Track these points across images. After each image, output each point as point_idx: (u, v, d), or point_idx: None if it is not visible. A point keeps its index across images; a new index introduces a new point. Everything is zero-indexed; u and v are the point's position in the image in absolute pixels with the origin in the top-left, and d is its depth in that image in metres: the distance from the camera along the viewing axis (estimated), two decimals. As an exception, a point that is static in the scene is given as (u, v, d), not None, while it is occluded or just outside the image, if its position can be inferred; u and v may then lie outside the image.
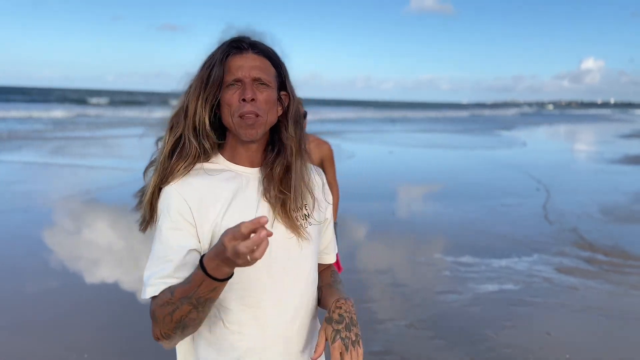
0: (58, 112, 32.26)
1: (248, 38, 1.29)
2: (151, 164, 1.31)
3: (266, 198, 1.29)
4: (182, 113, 1.26)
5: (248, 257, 1.00)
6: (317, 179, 1.43)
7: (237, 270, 1.28)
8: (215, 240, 1.23)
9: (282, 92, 1.32)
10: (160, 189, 1.27)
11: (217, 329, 1.29)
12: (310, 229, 1.36)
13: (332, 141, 3.70)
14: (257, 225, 0.98)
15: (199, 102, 1.23)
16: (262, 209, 1.28)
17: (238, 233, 0.99)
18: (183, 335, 1.21)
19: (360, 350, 1.21)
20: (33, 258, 5.26)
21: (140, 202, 1.30)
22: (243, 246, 0.99)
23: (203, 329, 1.30)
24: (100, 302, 4.31)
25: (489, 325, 4.02)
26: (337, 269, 3.41)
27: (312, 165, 1.43)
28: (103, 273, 4.92)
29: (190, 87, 1.27)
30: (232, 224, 1.24)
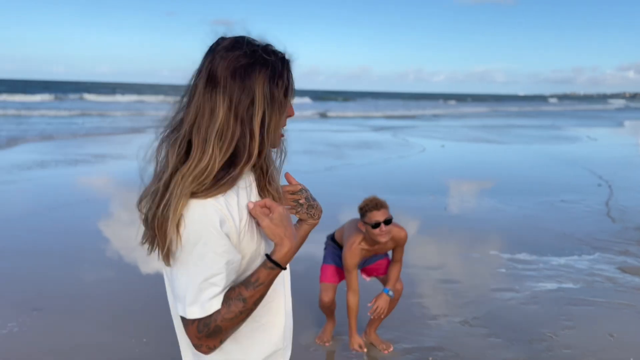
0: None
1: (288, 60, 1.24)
2: (150, 191, 1.19)
3: (264, 196, 1.31)
4: (258, 124, 1.17)
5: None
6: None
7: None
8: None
9: None
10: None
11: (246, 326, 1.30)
12: None
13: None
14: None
15: (281, 120, 1.22)
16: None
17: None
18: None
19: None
20: (91, 248, 5.50)
21: (151, 222, 1.16)
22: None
23: None
24: (158, 289, 4.45)
25: (547, 324, 3.90)
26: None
27: None
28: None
29: (267, 95, 1.17)
30: (248, 239, 1.22)
